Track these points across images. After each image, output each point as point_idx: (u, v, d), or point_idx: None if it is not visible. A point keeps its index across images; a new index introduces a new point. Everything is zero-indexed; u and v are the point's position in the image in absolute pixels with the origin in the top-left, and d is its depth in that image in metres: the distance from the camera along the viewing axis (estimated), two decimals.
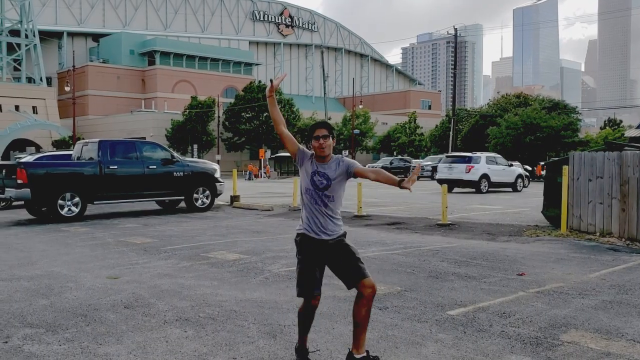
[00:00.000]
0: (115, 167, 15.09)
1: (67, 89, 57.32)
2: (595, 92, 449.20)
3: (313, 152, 4.13)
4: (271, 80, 4.21)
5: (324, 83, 65.11)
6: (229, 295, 6.29)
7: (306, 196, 4.12)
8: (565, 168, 11.39)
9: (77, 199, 14.49)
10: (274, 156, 61.74)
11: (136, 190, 15.48)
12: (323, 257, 4.13)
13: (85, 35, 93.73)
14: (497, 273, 7.52)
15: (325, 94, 65.52)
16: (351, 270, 4.08)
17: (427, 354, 4.45)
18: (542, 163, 39.90)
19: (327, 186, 4.06)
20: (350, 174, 4.09)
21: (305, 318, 4.19)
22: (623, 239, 10.14)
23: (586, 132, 65.02)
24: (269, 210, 16.97)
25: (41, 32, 77.53)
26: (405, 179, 3.98)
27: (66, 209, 14.32)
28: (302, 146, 4.20)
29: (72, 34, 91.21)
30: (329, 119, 65.96)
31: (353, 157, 67.42)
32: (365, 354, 4.10)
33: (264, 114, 65.71)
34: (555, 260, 8.49)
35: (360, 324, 4.07)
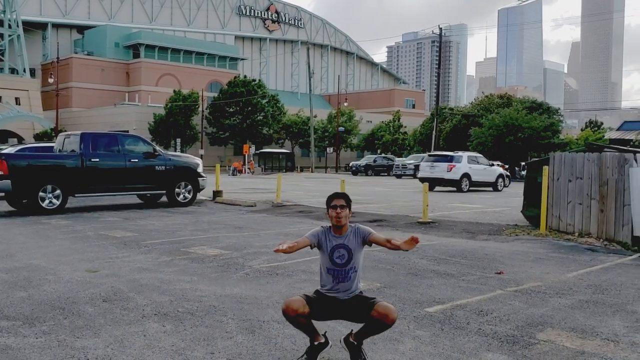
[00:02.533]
0: (97, 160, 14.97)
1: (50, 80, 56.78)
2: (577, 93, 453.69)
3: (325, 227, 4.22)
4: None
5: (310, 80, 65.03)
6: (208, 291, 6.28)
7: (328, 276, 4.17)
8: (545, 168, 11.50)
9: (58, 192, 14.36)
10: (258, 152, 61.56)
11: (118, 183, 15.37)
12: (335, 311, 4.17)
13: (70, 27, 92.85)
14: (475, 271, 7.59)
15: (310, 90, 65.43)
16: (361, 306, 4.09)
17: (405, 350, 4.48)
18: (522, 164, 40.22)
19: (349, 260, 4.13)
20: (366, 241, 4.17)
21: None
22: (601, 240, 10.27)
23: (566, 134, 65.59)
24: (252, 206, 16.95)
25: (25, 23, 76.63)
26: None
27: (47, 201, 14.18)
28: (311, 235, 4.22)
29: (56, 25, 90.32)
30: (315, 116, 65.97)
31: (337, 155, 67.58)
32: (354, 344, 4.15)
33: (248, 109, 65.56)
34: (533, 260, 8.58)
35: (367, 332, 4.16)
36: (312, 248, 4.22)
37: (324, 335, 4.21)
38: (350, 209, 4.18)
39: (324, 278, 4.21)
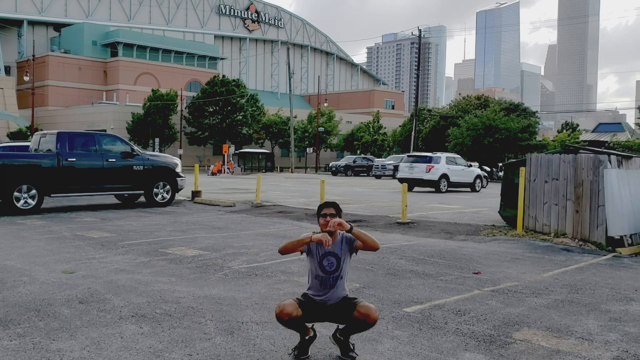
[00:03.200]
0: (74, 159, 14.80)
1: (26, 78, 55.99)
2: (554, 95, 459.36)
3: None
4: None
5: (290, 80, 64.94)
6: (186, 292, 6.24)
7: (315, 282, 4.27)
8: (522, 169, 11.63)
9: (33, 192, 14.16)
10: (237, 152, 61.29)
11: (95, 183, 15.21)
12: (323, 314, 4.27)
13: (46, 24, 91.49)
14: (453, 271, 7.65)
15: (290, 90, 65.35)
16: (345, 307, 4.21)
17: (383, 350, 4.50)
18: (500, 165, 40.58)
19: (337, 268, 4.24)
20: (353, 249, 4.28)
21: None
22: (576, 240, 10.42)
23: (543, 135, 66.25)
24: (231, 206, 16.89)
25: (0, 20, 75.46)
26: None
27: (22, 201, 13.98)
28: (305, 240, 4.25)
29: (32, 23, 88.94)
30: (295, 116, 65.93)
31: (317, 155, 67.60)
32: (342, 339, 4.30)
33: (227, 109, 65.28)
34: (510, 260, 8.67)
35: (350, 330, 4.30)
36: (301, 253, 4.31)
37: (312, 328, 4.34)
38: (340, 217, 4.28)
39: (312, 284, 4.32)
